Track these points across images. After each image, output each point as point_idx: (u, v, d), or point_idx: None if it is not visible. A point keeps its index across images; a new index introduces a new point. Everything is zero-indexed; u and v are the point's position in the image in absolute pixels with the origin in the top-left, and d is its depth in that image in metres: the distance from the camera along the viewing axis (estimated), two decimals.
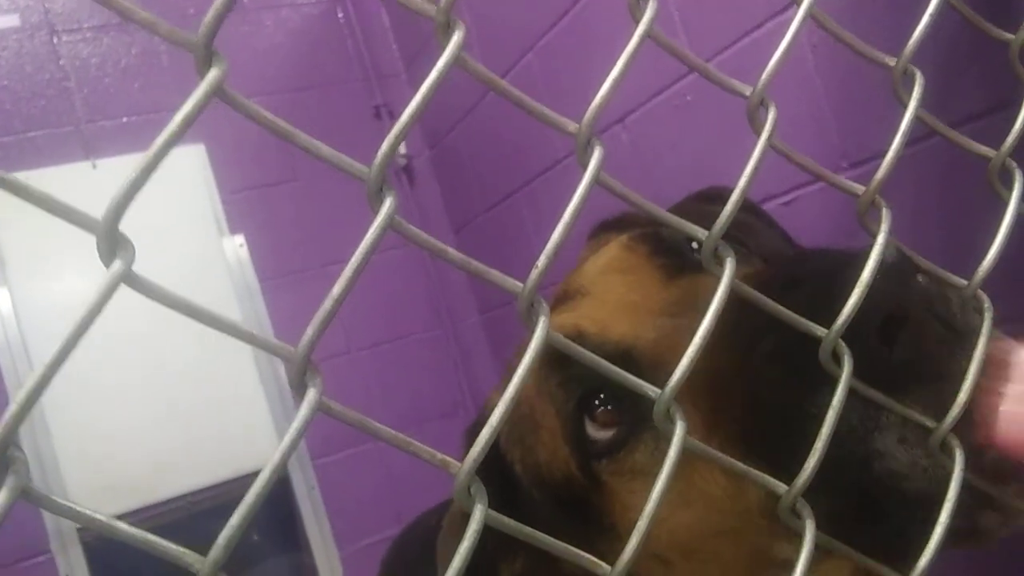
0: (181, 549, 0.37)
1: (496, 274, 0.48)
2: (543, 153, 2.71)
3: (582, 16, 2.36)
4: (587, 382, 0.76)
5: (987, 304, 0.61)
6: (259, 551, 3.21)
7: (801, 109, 1.68)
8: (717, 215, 0.54)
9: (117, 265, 0.36)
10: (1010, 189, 0.69)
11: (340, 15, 3.62)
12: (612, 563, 0.48)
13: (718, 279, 0.54)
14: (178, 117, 0.38)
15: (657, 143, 2.17)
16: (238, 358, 3.12)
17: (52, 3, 3.16)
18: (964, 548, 0.59)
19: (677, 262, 0.83)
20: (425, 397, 3.49)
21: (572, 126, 0.51)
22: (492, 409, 0.45)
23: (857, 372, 0.55)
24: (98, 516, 0.36)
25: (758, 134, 0.57)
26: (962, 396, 0.56)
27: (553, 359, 0.78)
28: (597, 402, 0.76)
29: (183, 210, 3.18)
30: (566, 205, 0.48)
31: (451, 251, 0.47)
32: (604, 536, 0.78)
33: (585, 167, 0.50)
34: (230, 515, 0.38)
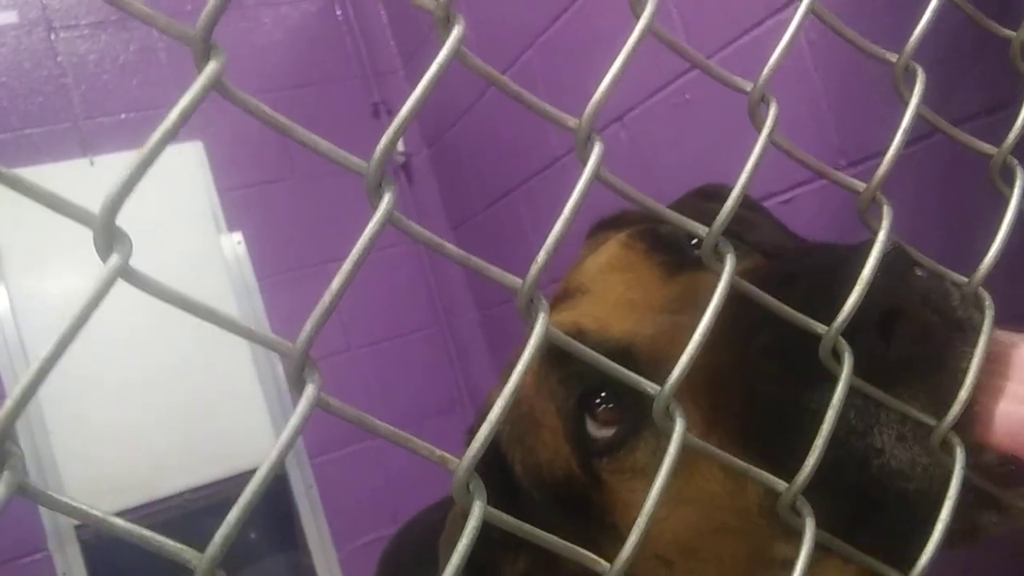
0: (178, 545, 0.37)
1: (495, 270, 0.47)
2: (541, 151, 2.70)
3: (581, 13, 2.36)
4: (588, 380, 0.76)
5: (988, 302, 0.61)
6: (256, 549, 3.21)
7: (800, 108, 1.68)
8: (716, 212, 0.54)
9: (114, 259, 0.36)
10: (1011, 187, 0.69)
11: (338, 12, 3.62)
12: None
13: (718, 276, 0.54)
14: (176, 110, 0.38)
15: (656, 141, 2.17)
16: (236, 356, 3.11)
17: None
18: (961, 548, 0.59)
19: (676, 259, 0.83)
20: (423, 395, 3.49)
21: (572, 121, 0.50)
22: (492, 406, 0.45)
23: (856, 368, 0.55)
24: (94, 512, 0.36)
25: (759, 130, 0.57)
26: (963, 393, 0.56)
27: (553, 357, 0.78)
28: (598, 400, 0.76)
29: (181, 207, 3.17)
30: (565, 202, 0.48)
31: (449, 246, 0.47)
32: (605, 535, 0.78)
33: (585, 163, 0.50)
34: (227, 514, 0.37)
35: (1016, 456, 0.56)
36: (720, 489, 0.68)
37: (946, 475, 0.56)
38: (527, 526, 0.46)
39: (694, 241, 0.80)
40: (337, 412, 0.41)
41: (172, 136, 0.38)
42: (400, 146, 3.49)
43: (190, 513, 2.96)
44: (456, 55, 0.46)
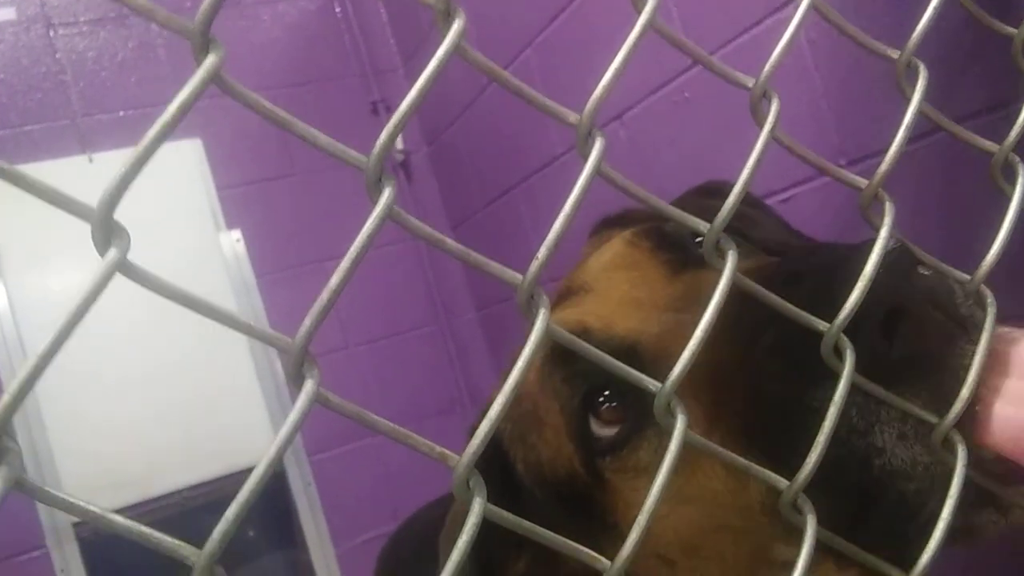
0: (176, 542, 0.37)
1: (495, 266, 0.47)
2: (541, 150, 2.70)
3: (580, 12, 2.35)
4: (592, 378, 0.76)
5: (990, 299, 0.61)
6: (255, 547, 3.21)
7: (800, 107, 1.68)
8: (718, 209, 0.54)
9: (112, 254, 0.36)
10: (1013, 184, 0.69)
11: (338, 10, 3.62)
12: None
13: (719, 272, 0.54)
14: (175, 103, 0.37)
15: (655, 140, 2.17)
16: (235, 353, 3.11)
17: None
18: (960, 546, 0.59)
19: (681, 257, 0.83)
20: (422, 394, 3.49)
21: (573, 117, 0.50)
22: (493, 404, 0.45)
23: (858, 366, 0.55)
24: (91, 508, 0.36)
25: (761, 126, 0.57)
26: (965, 392, 0.55)
27: (557, 355, 0.78)
28: (602, 399, 0.76)
29: (179, 205, 3.17)
30: (566, 198, 0.48)
31: (449, 242, 0.47)
32: (607, 535, 0.78)
33: (586, 158, 0.49)
34: (225, 511, 0.37)
35: (1014, 460, 0.56)
36: (722, 487, 0.67)
37: (947, 473, 0.56)
38: (527, 523, 0.46)
39: (699, 239, 0.80)
40: (336, 408, 0.41)
41: (171, 129, 0.37)
42: (399, 144, 3.49)
43: (188, 511, 2.96)
44: (457, 49, 0.45)
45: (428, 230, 0.46)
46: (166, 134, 0.37)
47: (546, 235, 0.47)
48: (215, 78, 0.39)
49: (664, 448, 0.50)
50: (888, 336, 0.56)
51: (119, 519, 0.36)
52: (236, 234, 3.26)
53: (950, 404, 0.55)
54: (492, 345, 3.43)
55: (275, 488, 3.16)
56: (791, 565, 0.53)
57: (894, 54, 0.65)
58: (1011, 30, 0.76)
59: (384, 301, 3.43)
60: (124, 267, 0.36)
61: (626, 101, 2.21)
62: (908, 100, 0.64)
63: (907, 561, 0.58)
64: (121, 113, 3.17)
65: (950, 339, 0.58)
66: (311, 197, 3.36)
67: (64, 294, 2.81)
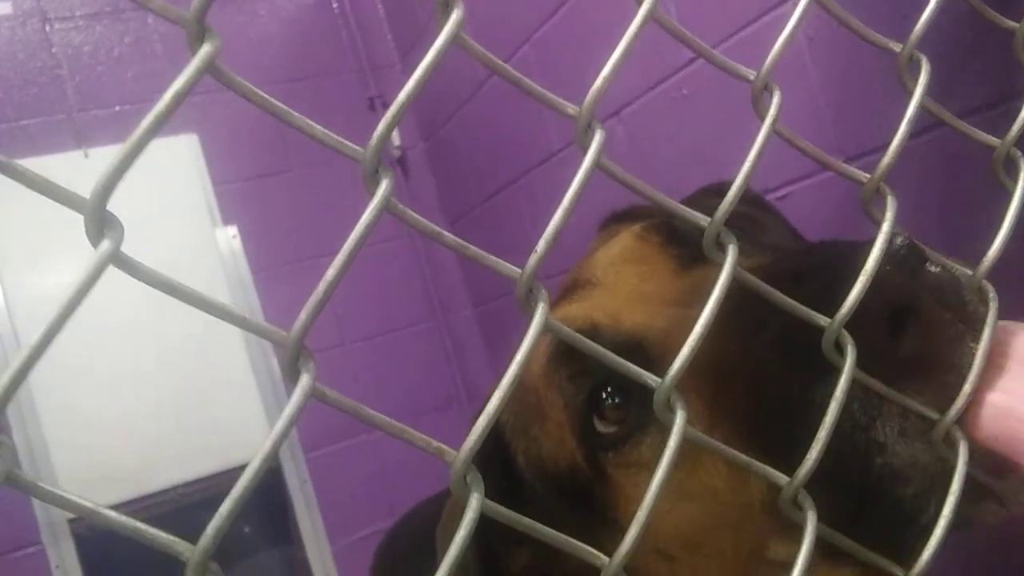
0: (171, 537, 0.36)
1: (493, 259, 0.47)
2: (539, 145, 2.70)
3: (577, 8, 2.35)
4: (597, 375, 0.76)
5: (992, 294, 0.61)
6: (250, 544, 3.20)
7: (798, 104, 1.68)
8: None
9: (105, 245, 0.35)
10: (1015, 179, 0.68)
11: (335, 5, 3.61)
12: None
13: (720, 267, 0.53)
14: (170, 92, 0.37)
15: (654, 136, 2.17)
16: (230, 349, 3.10)
17: None
18: (953, 536, 0.59)
19: (690, 252, 0.82)
20: (419, 390, 3.48)
21: (572, 109, 0.50)
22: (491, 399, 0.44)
23: (863, 363, 0.55)
24: (85, 503, 0.35)
25: (762, 119, 0.56)
26: (967, 387, 0.55)
27: (563, 352, 0.78)
28: (605, 395, 0.76)
29: (175, 201, 3.16)
30: (564, 193, 0.47)
31: (447, 235, 0.46)
32: (607, 529, 0.78)
33: (586, 151, 0.49)
34: (220, 508, 0.37)
35: (998, 451, 0.56)
36: (723, 484, 0.67)
37: (947, 470, 0.56)
38: (525, 519, 0.45)
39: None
40: (333, 402, 0.41)
41: (166, 119, 0.37)
42: (395, 140, 3.48)
43: (183, 507, 2.95)
44: (455, 40, 0.45)
45: (426, 223, 0.45)
46: (161, 123, 0.37)
47: (544, 231, 0.47)
48: (210, 67, 0.38)
49: (666, 444, 0.49)
50: (895, 334, 0.56)
51: (113, 514, 0.36)
52: (232, 230, 3.25)
53: (954, 400, 0.55)
54: (489, 342, 3.42)
55: (271, 484, 3.16)
56: (790, 563, 0.52)
57: (896, 47, 0.64)
58: (1013, 24, 0.75)
59: (380, 298, 3.43)
60: (117, 259, 0.35)
61: (624, 98, 2.21)
62: (910, 94, 0.63)
63: (907, 558, 0.57)
64: (117, 108, 3.16)
65: (957, 339, 0.57)
66: (307, 193, 3.36)
67: (60, 291, 2.79)
